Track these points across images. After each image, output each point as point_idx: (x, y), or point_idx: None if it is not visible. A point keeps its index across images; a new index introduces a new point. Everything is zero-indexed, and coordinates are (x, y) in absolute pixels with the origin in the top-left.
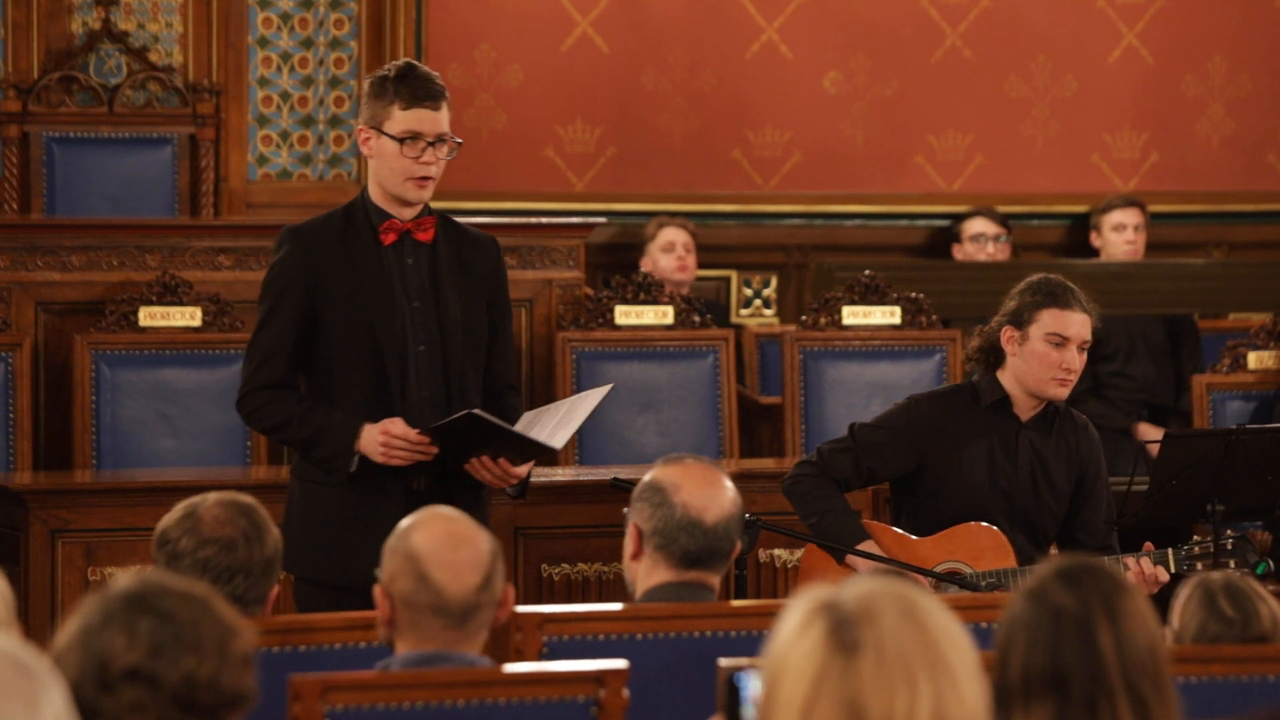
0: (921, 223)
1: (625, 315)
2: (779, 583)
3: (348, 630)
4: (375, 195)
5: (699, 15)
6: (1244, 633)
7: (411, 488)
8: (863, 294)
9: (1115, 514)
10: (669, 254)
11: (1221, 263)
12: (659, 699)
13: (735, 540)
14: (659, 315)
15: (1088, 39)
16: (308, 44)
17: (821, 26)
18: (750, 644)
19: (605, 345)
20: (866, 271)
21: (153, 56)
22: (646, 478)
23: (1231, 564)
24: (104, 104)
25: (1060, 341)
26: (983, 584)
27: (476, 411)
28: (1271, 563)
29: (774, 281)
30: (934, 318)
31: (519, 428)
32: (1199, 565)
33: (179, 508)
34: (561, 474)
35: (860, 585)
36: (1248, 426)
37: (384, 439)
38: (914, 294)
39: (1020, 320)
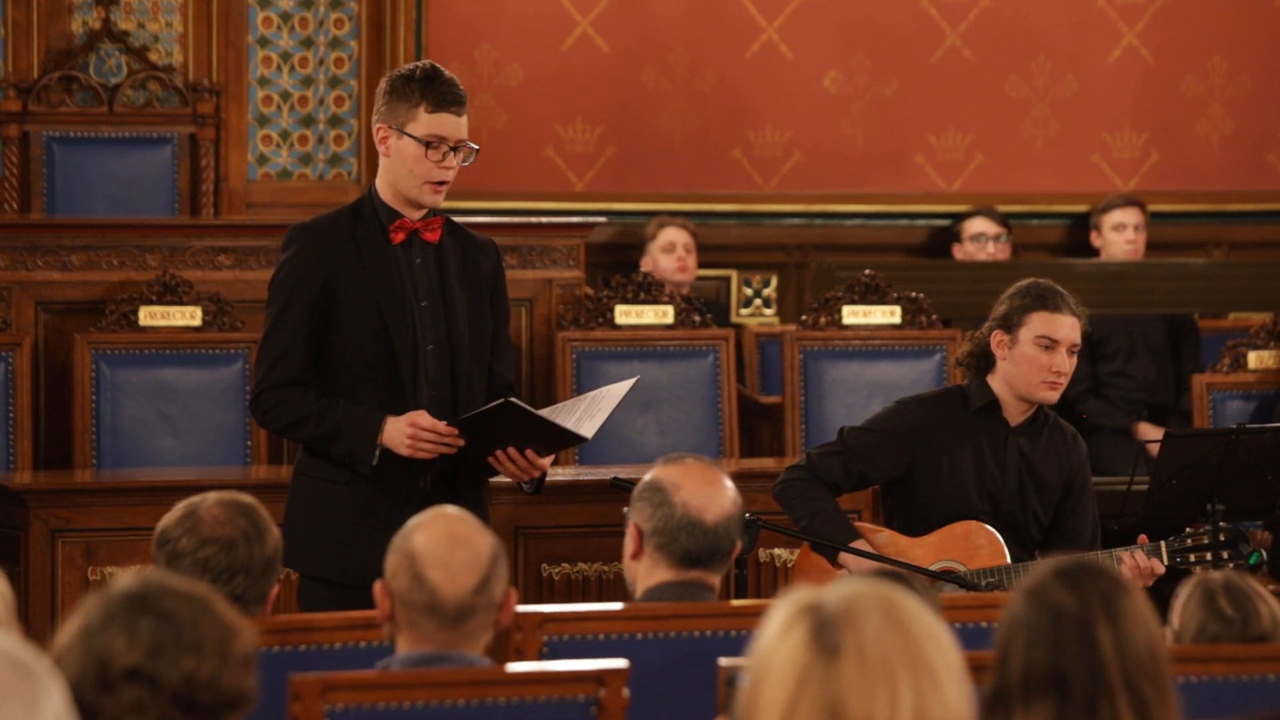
0: (922, 222)
1: (625, 315)
2: (779, 582)
3: (348, 630)
4: (385, 194)
5: (699, 15)
6: (1244, 632)
7: (418, 486)
8: (863, 294)
9: (1100, 530)
10: (669, 254)
11: (1221, 262)
12: (659, 699)
13: (735, 540)
14: (659, 315)
15: (1088, 39)
16: (308, 44)
17: (821, 26)
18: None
19: (605, 345)
20: (867, 271)
21: (153, 56)
22: (647, 477)
23: (1224, 554)
24: (104, 103)
25: (1050, 344)
26: (983, 583)
27: (513, 400)
28: (1264, 552)
29: (774, 281)
30: (934, 317)
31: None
32: (1191, 557)
33: (179, 507)
34: (562, 474)
35: (844, 587)
36: (1248, 426)
37: (412, 431)
38: (914, 294)
39: (1009, 324)
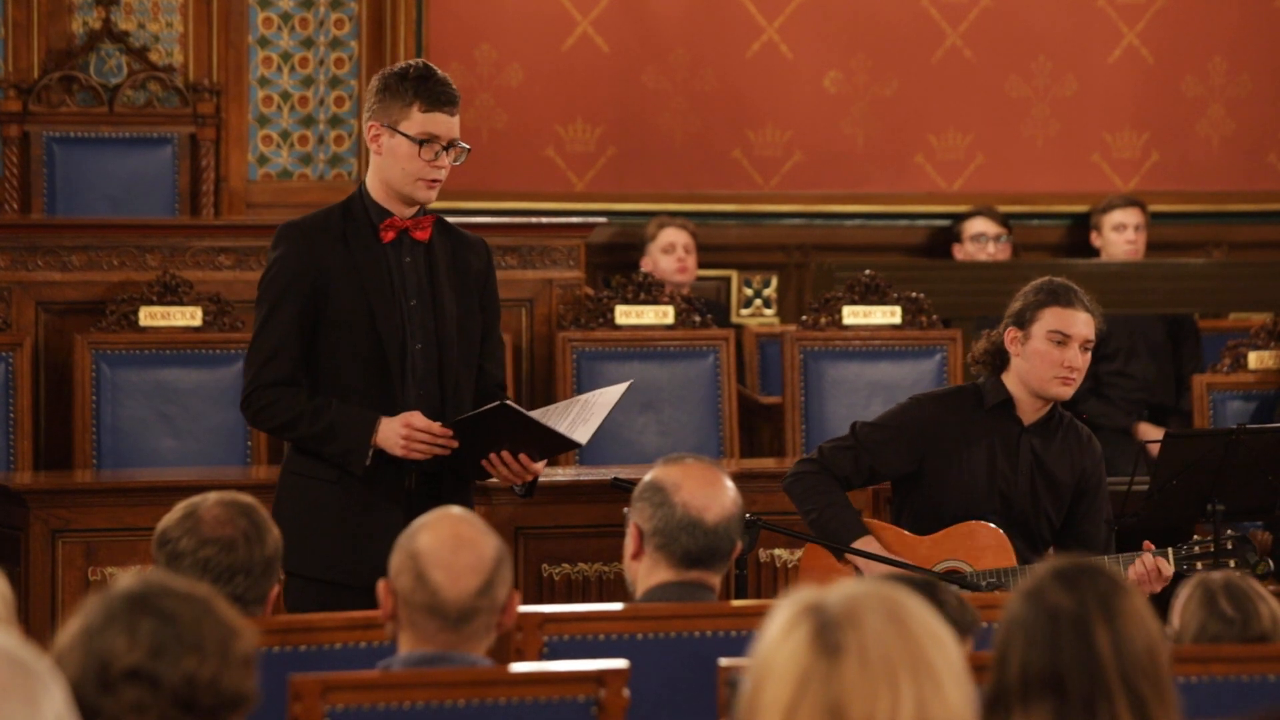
0: (922, 222)
1: (626, 315)
2: (779, 583)
3: (348, 630)
4: (376, 192)
5: (699, 15)
6: (1244, 632)
7: (403, 485)
8: (863, 294)
9: (1113, 528)
10: (669, 255)
11: (1222, 263)
12: (659, 699)
13: (736, 540)
14: (659, 315)
15: (1088, 39)
16: (308, 44)
17: (822, 26)
18: (750, 644)
19: (606, 345)
20: (867, 271)
21: (153, 56)
22: (647, 477)
23: (1231, 564)
24: (104, 104)
25: (1063, 340)
26: (983, 584)
27: (509, 403)
28: (1271, 562)
29: (774, 281)
30: (934, 317)
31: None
32: (1199, 565)
33: (179, 508)
34: (562, 474)
35: (847, 588)
36: (1248, 426)
37: (406, 431)
38: (914, 294)
39: (1023, 320)
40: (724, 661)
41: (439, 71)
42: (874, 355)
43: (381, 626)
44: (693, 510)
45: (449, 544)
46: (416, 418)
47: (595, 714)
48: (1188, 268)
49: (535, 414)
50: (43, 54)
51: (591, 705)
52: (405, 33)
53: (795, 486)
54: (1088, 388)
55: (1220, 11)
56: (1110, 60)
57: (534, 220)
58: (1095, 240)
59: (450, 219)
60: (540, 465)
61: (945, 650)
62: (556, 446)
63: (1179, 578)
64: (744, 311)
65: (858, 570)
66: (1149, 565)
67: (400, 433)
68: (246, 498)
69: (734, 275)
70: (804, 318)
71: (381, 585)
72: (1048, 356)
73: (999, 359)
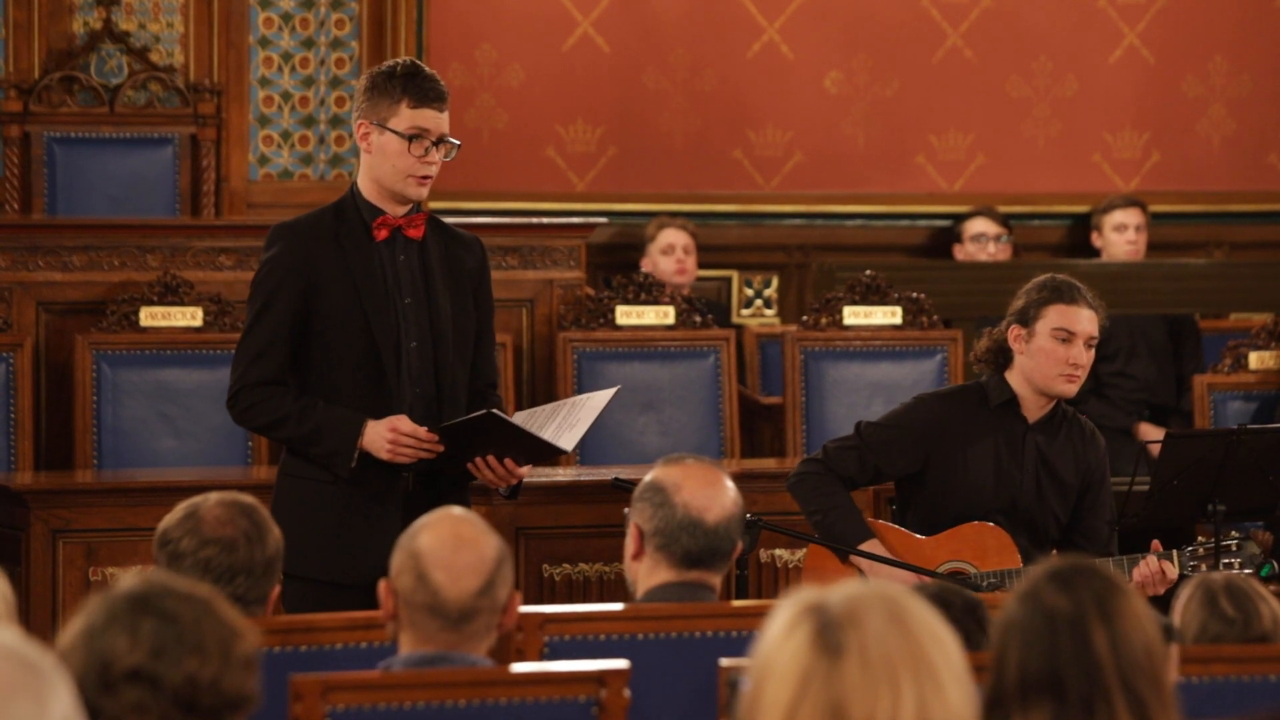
0: (922, 223)
1: (626, 315)
2: (780, 583)
3: (349, 630)
4: (368, 191)
5: (700, 15)
6: (1245, 632)
7: (401, 486)
8: (864, 294)
9: (1116, 518)
10: (668, 256)
11: (1222, 263)
12: (660, 699)
13: (736, 540)
14: (660, 315)
15: (1089, 39)
16: (309, 44)
17: (822, 26)
18: (751, 644)
19: (606, 345)
20: (867, 271)
21: (154, 56)
22: (647, 478)
23: (1235, 565)
24: (105, 104)
25: (1067, 337)
26: (984, 584)
27: (495, 411)
28: (1276, 564)
29: (775, 281)
30: (935, 318)
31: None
32: (1203, 567)
33: (180, 508)
34: (562, 474)
35: (849, 588)
36: (1249, 426)
37: (392, 436)
38: (915, 294)
39: (1026, 318)
40: (725, 662)
41: (426, 68)
42: (875, 355)
43: (382, 626)
44: (693, 510)
45: (450, 544)
46: (403, 422)
47: (596, 714)
48: (1188, 268)
49: (521, 415)
50: (43, 54)
51: (592, 705)
52: (406, 33)
53: (800, 487)
54: (1088, 388)
55: (1221, 11)
56: (1111, 60)
57: (534, 220)
58: (1096, 240)
59: (451, 219)
60: (525, 470)
61: (946, 651)
62: (542, 453)
63: (1184, 579)
64: (745, 312)
65: (861, 573)
66: (1153, 568)
67: (386, 437)
68: (247, 498)
69: (735, 275)
70: (805, 318)
71: (382, 585)
72: (1052, 354)
73: (1002, 357)
